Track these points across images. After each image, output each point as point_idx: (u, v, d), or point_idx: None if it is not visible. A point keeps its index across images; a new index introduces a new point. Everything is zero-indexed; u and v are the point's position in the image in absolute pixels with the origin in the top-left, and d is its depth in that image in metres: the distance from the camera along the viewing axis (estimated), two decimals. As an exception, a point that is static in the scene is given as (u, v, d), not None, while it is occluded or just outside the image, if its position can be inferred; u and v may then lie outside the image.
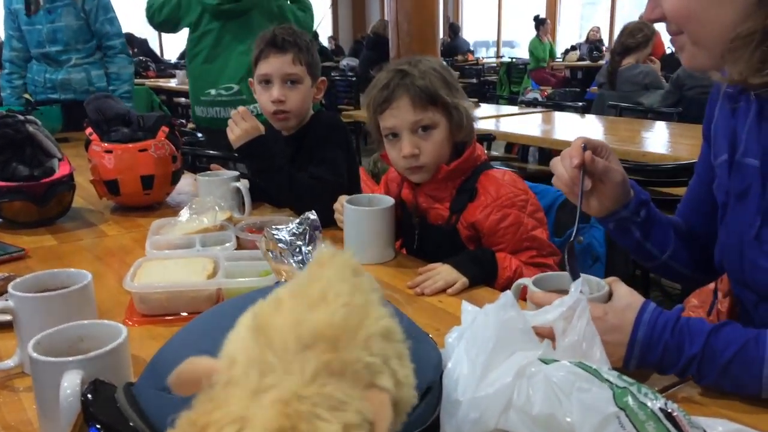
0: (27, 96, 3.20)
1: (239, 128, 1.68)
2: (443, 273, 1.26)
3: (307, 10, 3.08)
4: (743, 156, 0.95)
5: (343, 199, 1.48)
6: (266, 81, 1.75)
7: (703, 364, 0.82)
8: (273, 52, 1.73)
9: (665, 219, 1.13)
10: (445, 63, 1.52)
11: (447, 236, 1.42)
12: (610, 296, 0.93)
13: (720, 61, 0.87)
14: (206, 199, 1.52)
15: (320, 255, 0.44)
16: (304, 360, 0.37)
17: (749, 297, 1.03)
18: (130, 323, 1.08)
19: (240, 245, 1.36)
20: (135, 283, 1.10)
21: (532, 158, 4.21)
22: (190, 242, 1.34)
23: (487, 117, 4.03)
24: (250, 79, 1.87)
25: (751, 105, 0.95)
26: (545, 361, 0.64)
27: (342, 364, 0.38)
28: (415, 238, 1.49)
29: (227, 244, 1.32)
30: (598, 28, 10.47)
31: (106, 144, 1.74)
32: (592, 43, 9.81)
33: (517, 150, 4.39)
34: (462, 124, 1.40)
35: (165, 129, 1.80)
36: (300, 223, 1.05)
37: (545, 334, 0.78)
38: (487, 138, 3.41)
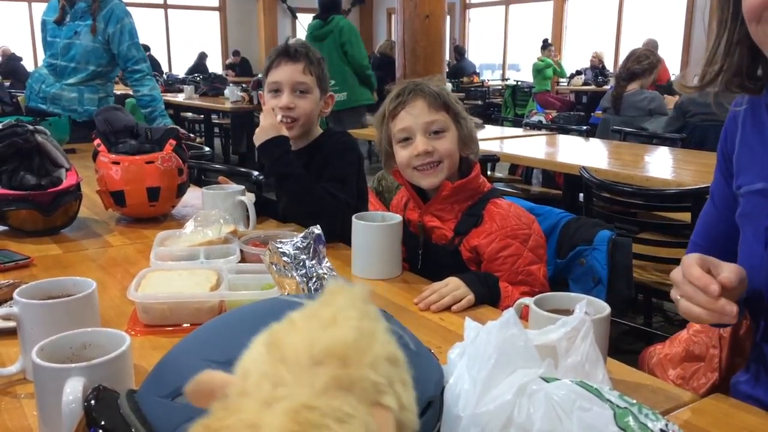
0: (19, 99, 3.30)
1: (261, 127, 1.70)
2: (451, 286, 1.27)
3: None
4: None
5: None
6: (276, 90, 1.78)
7: None
8: (284, 61, 1.77)
9: None
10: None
11: (450, 256, 1.44)
12: (611, 319, 0.93)
13: None
14: (211, 212, 1.53)
15: (332, 286, 0.47)
16: (314, 374, 0.39)
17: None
18: (132, 333, 1.08)
19: (244, 259, 1.37)
20: (138, 293, 1.10)
21: (535, 180, 4.22)
22: (194, 254, 1.35)
23: (491, 138, 4.05)
24: (260, 92, 1.90)
25: None
26: (546, 380, 0.64)
27: (350, 380, 0.39)
28: (419, 257, 1.50)
29: (231, 257, 1.33)
30: (597, 53, 10.52)
31: (113, 155, 1.76)
32: (595, 69, 9.88)
33: (520, 172, 4.40)
34: (468, 137, 1.48)
35: (172, 142, 1.82)
36: (304, 237, 1.05)
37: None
38: (492, 159, 3.42)
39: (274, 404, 0.38)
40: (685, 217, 2.28)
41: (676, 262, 2.50)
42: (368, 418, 0.38)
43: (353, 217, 1.43)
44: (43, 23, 3.30)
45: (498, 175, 4.42)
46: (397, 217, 1.45)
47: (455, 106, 1.47)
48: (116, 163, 1.75)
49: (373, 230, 1.42)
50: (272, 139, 1.67)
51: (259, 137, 1.69)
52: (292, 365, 0.40)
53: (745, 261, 1.02)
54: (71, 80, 3.24)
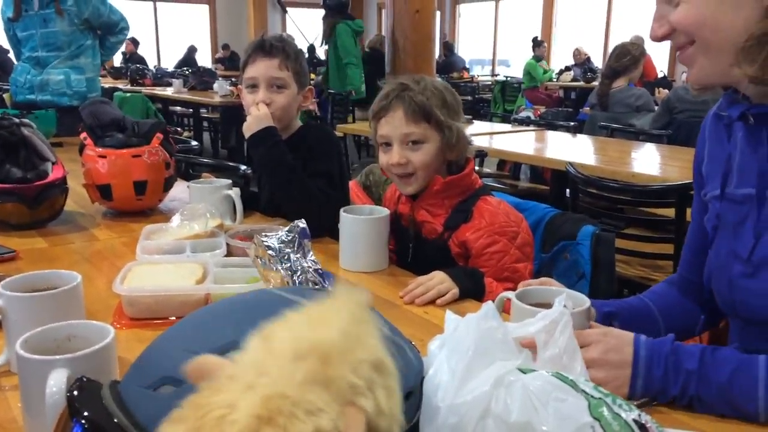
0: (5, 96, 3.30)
1: (251, 116, 1.70)
2: (436, 280, 1.28)
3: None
4: (737, 187, 0.98)
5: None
6: (252, 85, 1.77)
7: (701, 382, 0.83)
8: (260, 57, 1.76)
9: (645, 310, 1.15)
10: (449, 85, 1.55)
11: (439, 251, 1.46)
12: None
13: (728, 71, 0.89)
14: (198, 205, 1.53)
15: (337, 290, 0.50)
16: (296, 368, 0.42)
17: (735, 322, 1.06)
18: (117, 326, 1.08)
19: (230, 252, 1.37)
20: (124, 286, 1.11)
21: (523, 176, 4.24)
22: (181, 248, 1.35)
23: (480, 134, 4.06)
24: (239, 86, 1.90)
25: (738, 132, 0.98)
26: (524, 371, 0.66)
27: (328, 377, 0.42)
28: (410, 251, 1.52)
29: (217, 251, 1.33)
30: (579, 48, 10.55)
31: (100, 149, 1.75)
32: (580, 65, 9.91)
33: (509, 167, 4.42)
34: (453, 143, 1.45)
35: (159, 136, 1.81)
36: (289, 231, 1.06)
37: (530, 346, 0.79)
38: (480, 154, 3.43)
39: (254, 389, 0.41)
40: (670, 212, 2.30)
41: (661, 257, 2.52)
42: (338, 415, 0.41)
43: (341, 211, 1.44)
44: (8, 22, 3.29)
45: (486, 170, 4.43)
46: (385, 211, 1.47)
47: (438, 116, 1.42)
48: (103, 156, 1.74)
49: (361, 223, 1.43)
50: (264, 129, 1.68)
51: (251, 127, 1.70)
52: (278, 358, 0.43)
53: (710, 262, 1.05)
54: (55, 62, 3.23)
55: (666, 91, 5.02)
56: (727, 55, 0.87)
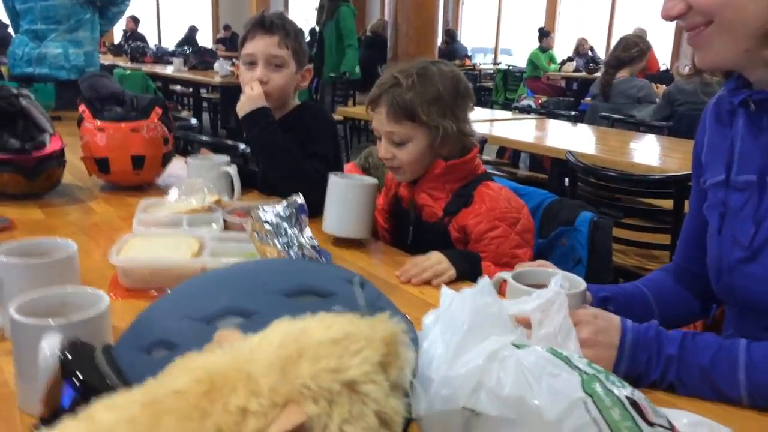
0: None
1: (244, 96, 1.69)
2: (433, 260, 1.28)
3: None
4: (737, 174, 0.98)
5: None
6: (251, 62, 1.75)
7: (681, 366, 0.85)
8: (260, 33, 1.74)
9: (641, 296, 1.15)
10: (455, 74, 1.46)
11: (439, 234, 1.46)
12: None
13: (742, 55, 0.87)
14: (196, 180, 1.53)
15: (382, 315, 0.51)
16: (272, 353, 0.45)
17: (731, 310, 1.06)
18: (113, 296, 1.08)
19: (228, 229, 1.37)
20: (120, 257, 1.10)
21: (522, 164, 4.23)
22: (177, 221, 1.35)
23: (481, 120, 4.06)
24: (236, 62, 1.88)
25: (740, 119, 0.98)
26: (518, 346, 0.66)
27: (287, 370, 0.44)
28: (410, 234, 1.52)
29: (214, 225, 1.33)
30: (586, 40, 10.51)
31: (98, 122, 1.74)
32: (582, 56, 9.87)
33: (508, 155, 4.41)
34: (441, 140, 1.41)
35: (158, 111, 1.80)
36: (287, 206, 1.06)
37: (525, 323, 0.80)
38: (480, 141, 3.43)
39: (233, 360, 0.44)
40: (668, 203, 2.30)
41: (658, 247, 2.52)
42: (274, 406, 0.43)
43: (330, 174, 1.44)
44: None
45: (486, 157, 4.43)
46: (373, 180, 1.47)
47: (421, 116, 1.38)
48: (101, 129, 1.73)
49: (344, 187, 1.43)
50: (257, 110, 1.67)
51: (244, 107, 1.68)
52: (271, 344, 0.46)
53: (711, 250, 1.05)
54: (53, 35, 3.21)
55: (663, 86, 5.00)
56: (744, 37, 0.85)
